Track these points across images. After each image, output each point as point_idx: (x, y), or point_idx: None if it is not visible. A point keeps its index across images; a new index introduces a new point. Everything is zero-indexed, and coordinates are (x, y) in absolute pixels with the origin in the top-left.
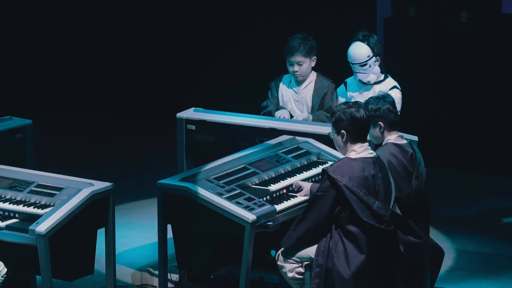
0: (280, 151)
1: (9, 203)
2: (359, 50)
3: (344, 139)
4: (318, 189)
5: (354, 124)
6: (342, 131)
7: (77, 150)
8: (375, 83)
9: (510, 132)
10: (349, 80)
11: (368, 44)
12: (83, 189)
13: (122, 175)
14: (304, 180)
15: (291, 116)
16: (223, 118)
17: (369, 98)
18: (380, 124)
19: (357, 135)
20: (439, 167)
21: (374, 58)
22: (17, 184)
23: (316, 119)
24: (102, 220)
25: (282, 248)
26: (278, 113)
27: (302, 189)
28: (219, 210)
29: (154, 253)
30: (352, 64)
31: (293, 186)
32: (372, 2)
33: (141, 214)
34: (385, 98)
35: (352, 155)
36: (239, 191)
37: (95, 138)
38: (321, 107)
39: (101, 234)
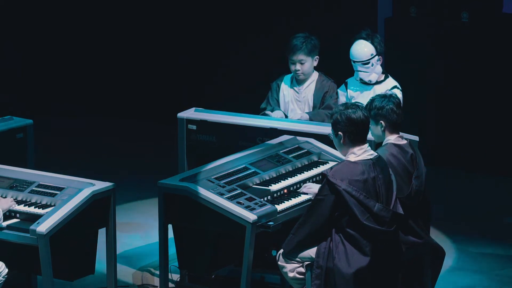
0: (281, 151)
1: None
2: (363, 48)
3: (342, 141)
4: (318, 193)
5: (351, 126)
6: (340, 132)
7: (77, 150)
8: (376, 83)
9: (510, 132)
10: (349, 80)
11: (372, 43)
12: (84, 189)
13: (123, 175)
14: (305, 180)
15: (286, 116)
16: (224, 118)
17: (376, 95)
18: (381, 123)
19: (354, 136)
20: (439, 167)
21: (377, 57)
22: (18, 184)
23: (314, 118)
24: (103, 220)
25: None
26: (272, 114)
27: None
28: (220, 210)
29: (155, 253)
30: (355, 62)
31: (301, 190)
32: (373, 2)
33: (142, 214)
34: (390, 97)
35: (352, 158)
36: (240, 191)
37: (95, 138)
38: (322, 106)
39: (102, 234)
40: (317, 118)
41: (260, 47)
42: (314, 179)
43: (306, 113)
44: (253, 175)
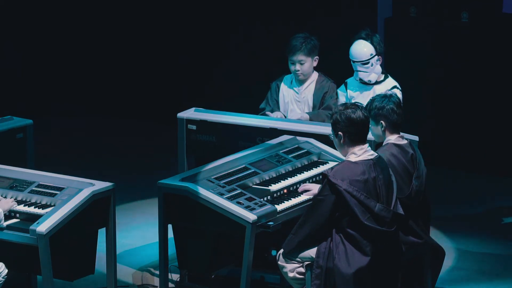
0: (281, 151)
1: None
2: (362, 48)
3: (342, 141)
4: (318, 193)
5: (351, 126)
6: (340, 133)
7: (77, 150)
8: (375, 83)
9: (510, 132)
10: (349, 80)
11: (371, 43)
12: (83, 189)
13: (123, 175)
14: (305, 180)
15: (286, 117)
16: (223, 118)
17: (376, 95)
18: (382, 123)
19: (354, 136)
20: (439, 167)
21: (376, 57)
22: (18, 184)
23: (314, 118)
24: (103, 220)
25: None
26: (271, 114)
27: (308, 191)
28: (219, 210)
29: (154, 253)
30: (354, 62)
31: (299, 190)
32: (373, 2)
33: (142, 214)
34: (390, 97)
35: (352, 158)
36: (239, 191)
37: (95, 138)
38: (322, 106)
39: (101, 234)
40: (318, 118)
41: (260, 47)
42: (314, 179)
43: (307, 113)
44: (253, 175)
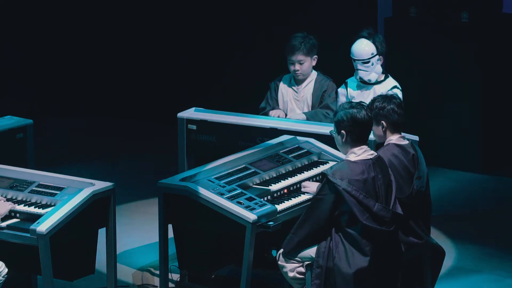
0: (281, 151)
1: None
2: (364, 47)
3: (344, 140)
4: (318, 192)
5: (355, 125)
6: (342, 131)
7: (77, 150)
8: (376, 82)
9: (510, 132)
10: (349, 80)
11: (373, 42)
12: (84, 189)
13: (123, 175)
14: (305, 180)
15: (286, 115)
16: (223, 118)
17: (378, 95)
18: (382, 123)
19: (357, 136)
20: (439, 167)
21: (377, 57)
22: (18, 184)
23: (311, 118)
24: (103, 220)
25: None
26: (272, 113)
27: (307, 188)
28: (220, 210)
29: (155, 253)
30: (355, 60)
31: (301, 188)
32: (373, 2)
33: (142, 214)
34: (392, 98)
35: (352, 157)
36: (240, 191)
37: (95, 138)
38: (320, 105)
39: (102, 234)
40: (315, 118)
41: (260, 47)
42: (314, 179)
43: (304, 113)
44: (253, 175)
